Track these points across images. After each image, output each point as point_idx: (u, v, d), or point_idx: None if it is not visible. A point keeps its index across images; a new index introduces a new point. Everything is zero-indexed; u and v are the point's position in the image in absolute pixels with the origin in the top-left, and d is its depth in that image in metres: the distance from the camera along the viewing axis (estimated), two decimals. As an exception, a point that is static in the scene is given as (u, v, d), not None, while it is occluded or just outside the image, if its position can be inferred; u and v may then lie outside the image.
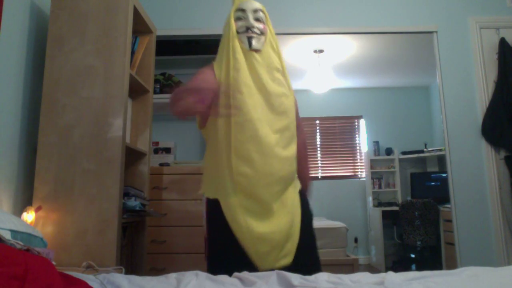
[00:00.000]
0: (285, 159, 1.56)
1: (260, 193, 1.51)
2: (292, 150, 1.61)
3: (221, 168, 1.56)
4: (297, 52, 4.31)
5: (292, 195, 1.61)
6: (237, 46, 1.59)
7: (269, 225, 1.52)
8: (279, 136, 1.56)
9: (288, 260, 1.52)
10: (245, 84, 1.55)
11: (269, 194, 1.52)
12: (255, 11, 1.65)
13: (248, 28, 1.60)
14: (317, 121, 5.65)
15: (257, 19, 1.64)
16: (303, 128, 1.82)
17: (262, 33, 1.63)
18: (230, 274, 1.32)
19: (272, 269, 1.38)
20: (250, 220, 1.51)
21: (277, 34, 2.97)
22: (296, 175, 1.68)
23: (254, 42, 1.59)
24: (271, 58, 1.62)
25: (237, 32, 1.61)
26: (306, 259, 1.56)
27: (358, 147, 5.69)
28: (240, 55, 1.58)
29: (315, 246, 1.66)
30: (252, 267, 1.45)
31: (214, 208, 1.57)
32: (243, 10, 1.64)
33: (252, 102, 1.53)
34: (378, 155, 5.57)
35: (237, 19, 1.64)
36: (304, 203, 1.66)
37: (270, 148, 1.52)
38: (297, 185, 1.67)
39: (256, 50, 1.60)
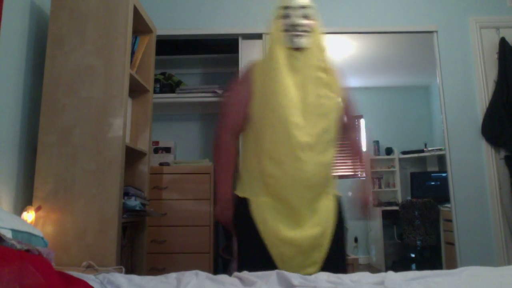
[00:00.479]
0: (319, 165, 1.51)
1: (289, 197, 1.49)
2: (329, 155, 1.55)
3: (253, 168, 1.57)
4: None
5: (326, 203, 1.55)
6: (277, 45, 1.56)
7: (296, 230, 1.48)
8: (315, 140, 1.50)
9: (314, 269, 1.48)
10: (281, 84, 1.51)
11: (298, 199, 1.49)
12: (302, 7, 1.57)
13: (293, 27, 1.54)
14: (317, 121, 5.63)
15: (305, 16, 1.57)
16: (355, 127, 1.79)
17: (309, 30, 1.56)
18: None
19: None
20: (278, 222, 1.49)
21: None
22: (333, 182, 1.61)
23: (298, 41, 1.54)
24: (315, 57, 1.57)
25: (283, 31, 1.56)
26: (334, 271, 1.47)
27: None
28: (279, 55, 1.54)
29: (344, 258, 1.61)
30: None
31: (242, 207, 1.57)
32: (288, 8, 1.57)
33: (288, 104, 1.50)
34: (378, 154, 5.57)
35: (283, 16, 1.58)
36: (340, 212, 1.60)
37: (302, 152, 1.48)
38: (333, 193, 1.60)
39: (301, 49, 1.55)
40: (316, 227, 1.50)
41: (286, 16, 1.57)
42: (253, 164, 1.58)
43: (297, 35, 1.54)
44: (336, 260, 1.54)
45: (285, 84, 1.51)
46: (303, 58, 1.55)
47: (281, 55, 1.54)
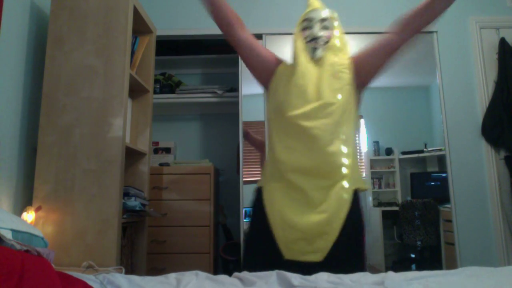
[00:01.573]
0: (332, 155, 1.54)
1: (299, 182, 1.53)
2: (344, 146, 1.57)
3: (269, 157, 1.67)
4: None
5: (339, 193, 1.54)
6: (299, 56, 1.64)
7: (303, 215, 1.50)
8: (326, 133, 1.54)
9: (317, 257, 1.48)
10: (301, 83, 1.59)
11: (309, 185, 1.53)
12: (322, 20, 1.66)
13: (314, 39, 1.63)
14: (317, 121, 5.64)
15: (325, 28, 1.66)
16: (389, 35, 1.80)
17: (327, 41, 1.65)
18: (258, 261, 1.39)
19: (298, 261, 1.41)
20: (285, 205, 1.53)
21: (277, 34, 2.99)
22: (353, 174, 1.60)
23: (318, 52, 1.63)
24: (332, 62, 1.63)
25: (305, 41, 1.65)
26: (346, 266, 1.45)
27: (358, 147, 5.69)
28: (302, 61, 1.62)
29: (361, 256, 1.57)
30: (278, 257, 1.48)
31: (257, 195, 1.65)
32: (309, 20, 1.67)
33: (301, 102, 1.57)
34: (378, 155, 5.57)
35: (304, 29, 1.67)
36: (355, 205, 1.58)
37: (313, 143, 1.53)
38: (352, 185, 1.58)
39: (318, 59, 1.63)
40: (322, 213, 1.50)
41: (306, 28, 1.67)
42: (269, 153, 1.69)
43: (317, 48, 1.63)
44: (348, 256, 1.52)
45: (305, 83, 1.59)
46: (320, 66, 1.63)
47: (303, 62, 1.63)
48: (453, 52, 3.08)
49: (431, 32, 3.15)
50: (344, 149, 1.56)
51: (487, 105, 2.97)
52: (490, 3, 3.12)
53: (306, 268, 1.36)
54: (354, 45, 4.36)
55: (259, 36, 3.01)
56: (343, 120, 1.59)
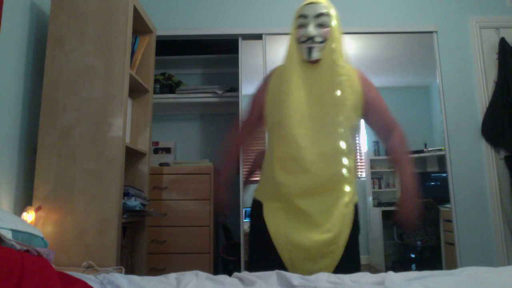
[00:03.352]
0: (332, 175, 1.51)
1: (301, 205, 1.49)
2: (342, 165, 1.52)
3: (268, 173, 1.59)
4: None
5: (342, 211, 1.52)
6: (292, 57, 1.54)
7: (307, 236, 1.47)
8: (324, 155, 1.49)
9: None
10: (294, 98, 1.51)
11: (311, 207, 1.49)
12: (318, 16, 1.52)
13: (309, 38, 1.51)
14: (317, 121, 5.63)
15: (320, 25, 1.52)
16: (395, 125, 1.65)
17: (324, 40, 1.52)
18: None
19: None
20: (289, 226, 1.49)
21: (277, 34, 2.99)
22: (351, 189, 1.58)
23: (314, 53, 1.51)
24: (332, 66, 1.53)
25: (298, 42, 1.53)
26: (344, 269, 1.46)
27: (358, 147, 5.69)
28: (294, 67, 1.53)
29: (358, 266, 1.58)
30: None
31: (257, 209, 1.60)
32: (304, 16, 1.54)
33: (299, 118, 1.49)
34: (378, 155, 5.57)
35: (299, 26, 1.55)
36: (355, 219, 1.58)
37: (312, 165, 1.48)
38: (351, 200, 1.57)
39: (316, 60, 1.52)
40: (327, 233, 1.48)
41: (301, 26, 1.54)
42: (268, 169, 1.60)
43: (312, 47, 1.51)
44: (349, 270, 1.50)
45: (299, 99, 1.50)
46: (318, 72, 1.52)
47: (296, 68, 1.53)
48: (453, 52, 3.08)
49: (431, 32, 3.15)
50: (345, 161, 1.53)
51: (487, 105, 2.97)
52: (490, 3, 3.12)
53: None
54: (354, 46, 4.38)
55: (258, 36, 3.02)
56: (345, 135, 1.54)
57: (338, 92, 1.52)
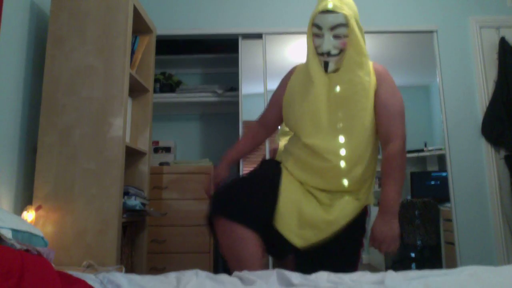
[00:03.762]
0: (348, 178, 1.53)
1: (314, 193, 1.55)
2: (359, 169, 1.54)
3: (290, 151, 1.62)
4: (297, 51, 4.30)
5: (350, 206, 1.55)
6: (313, 64, 1.53)
7: (316, 211, 1.52)
8: (341, 159, 1.50)
9: (310, 234, 1.49)
10: (310, 106, 1.53)
11: (323, 197, 1.55)
12: (333, 28, 1.45)
13: (324, 52, 1.47)
14: (317, 121, 5.63)
15: (336, 36, 1.46)
16: (396, 136, 1.54)
17: (340, 51, 1.48)
18: (237, 211, 1.39)
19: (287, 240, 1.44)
20: (301, 201, 1.51)
21: (278, 33, 2.99)
22: (365, 190, 1.63)
23: (330, 67, 1.49)
24: (350, 74, 1.50)
25: (315, 51, 1.51)
26: (337, 259, 1.52)
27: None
28: (313, 71, 1.52)
29: (354, 257, 1.65)
30: (270, 223, 1.45)
31: (276, 167, 1.62)
32: (319, 27, 1.47)
33: (313, 129, 1.52)
34: (378, 155, 5.56)
35: (315, 35, 1.50)
36: (362, 213, 1.63)
37: (328, 172, 1.52)
38: (361, 200, 1.60)
39: (334, 71, 1.51)
40: (331, 215, 1.51)
41: (317, 35, 1.50)
42: (291, 148, 1.63)
43: (328, 62, 1.48)
44: (345, 242, 1.55)
45: (318, 108, 1.52)
46: (337, 80, 1.51)
47: (315, 74, 1.52)
48: (453, 52, 3.08)
49: (431, 32, 3.15)
50: (362, 168, 1.56)
51: (487, 104, 2.97)
52: (490, 3, 3.12)
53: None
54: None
55: (258, 36, 3.02)
56: (360, 146, 1.54)
57: (356, 99, 1.51)
